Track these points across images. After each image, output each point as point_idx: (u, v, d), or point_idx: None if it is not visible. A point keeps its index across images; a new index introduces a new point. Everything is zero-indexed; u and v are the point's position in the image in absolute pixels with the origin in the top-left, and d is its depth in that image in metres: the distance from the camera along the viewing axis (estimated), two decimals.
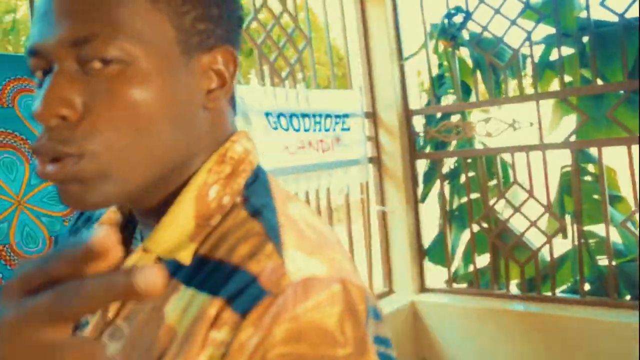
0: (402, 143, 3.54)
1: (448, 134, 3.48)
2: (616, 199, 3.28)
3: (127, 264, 0.60)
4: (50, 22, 0.55)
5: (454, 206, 3.64)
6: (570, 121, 3.28)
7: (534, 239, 3.26)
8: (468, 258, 3.55)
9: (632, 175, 2.83)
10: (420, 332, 3.44)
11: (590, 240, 3.28)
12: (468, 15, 3.34)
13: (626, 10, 2.85)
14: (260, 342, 0.49)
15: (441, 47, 3.52)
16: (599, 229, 3.21)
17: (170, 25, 0.57)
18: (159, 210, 0.61)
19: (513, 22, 3.14)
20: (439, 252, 3.58)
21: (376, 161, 3.58)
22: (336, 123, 3.12)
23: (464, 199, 3.55)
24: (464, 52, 3.57)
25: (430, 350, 3.41)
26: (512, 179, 3.25)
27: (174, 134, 0.58)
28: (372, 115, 3.59)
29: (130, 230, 0.69)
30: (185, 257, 0.58)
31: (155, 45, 0.56)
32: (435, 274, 3.69)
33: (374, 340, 0.53)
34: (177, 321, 0.54)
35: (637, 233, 2.90)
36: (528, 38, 3.10)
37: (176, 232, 0.59)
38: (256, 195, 0.61)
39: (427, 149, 3.60)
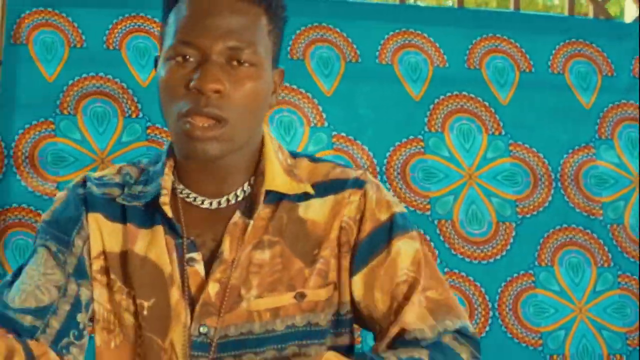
0: None
1: None
2: None
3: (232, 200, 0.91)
4: (213, 31, 0.82)
5: None
6: None
7: None
8: None
9: None
10: None
11: None
12: None
13: None
14: (380, 198, 0.91)
15: None
16: None
17: (273, 46, 0.89)
18: (234, 166, 0.89)
19: None
20: None
21: None
22: None
23: None
24: None
25: None
26: None
27: (258, 121, 0.89)
28: None
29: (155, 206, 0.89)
30: (292, 189, 0.90)
31: (266, 58, 0.87)
32: None
33: None
34: (316, 215, 0.90)
35: None
36: None
37: (280, 175, 0.90)
38: (302, 155, 0.97)
39: None
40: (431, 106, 1.76)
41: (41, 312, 0.84)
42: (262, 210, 0.87)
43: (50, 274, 0.87)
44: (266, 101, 0.88)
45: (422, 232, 1.65)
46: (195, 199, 0.89)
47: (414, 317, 0.84)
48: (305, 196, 0.90)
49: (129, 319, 0.87)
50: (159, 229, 0.88)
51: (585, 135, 1.79)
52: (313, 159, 0.96)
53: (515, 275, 1.72)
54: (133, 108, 1.67)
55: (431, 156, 1.73)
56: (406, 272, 0.87)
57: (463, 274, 1.70)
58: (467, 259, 1.70)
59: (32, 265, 0.88)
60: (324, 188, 0.90)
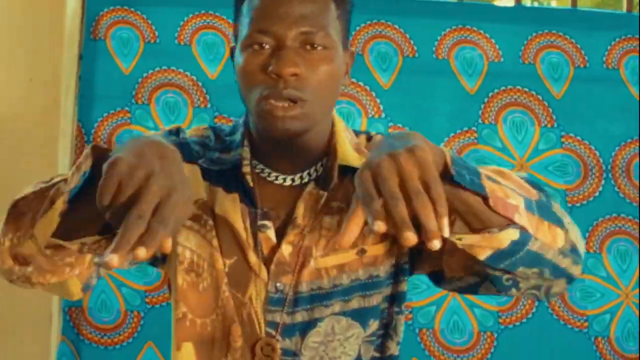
0: None
1: None
2: None
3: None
4: (287, 18, 0.87)
5: None
6: None
7: None
8: None
9: None
10: None
11: None
12: None
13: None
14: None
15: None
16: None
17: (342, 30, 0.93)
18: (309, 144, 0.93)
19: None
20: None
21: None
22: None
23: None
24: None
25: None
26: None
27: (333, 99, 0.94)
28: None
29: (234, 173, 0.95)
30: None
31: (337, 40, 0.91)
32: None
33: None
34: None
35: None
36: None
37: (351, 152, 0.95)
38: (362, 133, 1.02)
39: None
40: (485, 99, 1.80)
41: None
42: (337, 183, 0.92)
43: None
44: (340, 81, 0.92)
45: None
46: (269, 174, 0.94)
47: None
48: None
49: (219, 267, 0.92)
50: (235, 196, 0.92)
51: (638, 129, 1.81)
52: (369, 136, 1.01)
53: None
54: (202, 99, 1.78)
55: (484, 146, 1.78)
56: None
57: None
58: None
59: None
60: None
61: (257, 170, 0.94)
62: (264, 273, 0.91)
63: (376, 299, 0.93)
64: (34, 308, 1.67)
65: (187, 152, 0.93)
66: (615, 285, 1.76)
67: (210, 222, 0.93)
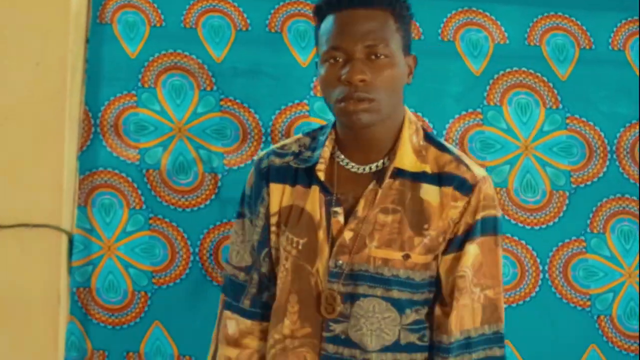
0: None
1: None
2: None
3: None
4: (354, 36, 1.10)
5: None
6: None
7: None
8: None
9: None
10: None
11: None
12: None
13: None
14: (477, 203, 1.15)
15: None
16: None
17: (402, 39, 1.14)
18: (377, 136, 1.17)
19: None
20: None
21: None
22: None
23: None
24: None
25: None
26: None
27: (398, 97, 1.16)
28: None
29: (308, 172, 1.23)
30: (414, 167, 1.17)
31: (397, 49, 1.13)
32: None
33: None
34: (432, 199, 1.16)
35: None
36: None
37: (410, 156, 1.16)
38: (434, 140, 1.22)
39: None
40: (491, 81, 1.80)
41: (248, 270, 1.29)
42: (391, 182, 1.15)
43: (248, 240, 1.28)
44: (402, 82, 1.15)
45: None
46: (347, 163, 1.19)
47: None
48: (423, 176, 1.16)
49: (291, 252, 1.20)
50: (315, 188, 1.19)
51: None
52: (442, 147, 1.21)
53: (567, 240, 1.76)
54: (208, 82, 1.78)
55: (489, 128, 1.78)
56: (464, 269, 1.15)
57: (516, 238, 1.75)
58: (521, 224, 1.75)
59: (236, 227, 1.32)
60: (439, 178, 1.16)
61: (338, 160, 1.20)
62: (326, 251, 1.16)
63: (410, 296, 1.15)
64: (42, 289, 1.69)
65: (272, 172, 1.25)
66: (619, 265, 1.77)
67: (287, 218, 1.22)
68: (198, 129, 1.78)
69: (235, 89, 1.78)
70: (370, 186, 1.16)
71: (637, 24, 1.83)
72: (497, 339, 1.16)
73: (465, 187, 1.15)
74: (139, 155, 1.76)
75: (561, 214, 1.76)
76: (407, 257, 1.13)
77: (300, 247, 1.18)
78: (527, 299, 1.75)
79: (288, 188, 1.22)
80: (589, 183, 1.77)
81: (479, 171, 1.18)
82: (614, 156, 1.79)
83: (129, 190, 1.75)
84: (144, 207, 1.75)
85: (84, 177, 1.75)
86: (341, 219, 1.17)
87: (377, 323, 1.14)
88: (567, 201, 1.76)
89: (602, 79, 1.81)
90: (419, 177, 1.16)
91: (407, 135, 1.17)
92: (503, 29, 1.82)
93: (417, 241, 1.14)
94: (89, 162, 1.75)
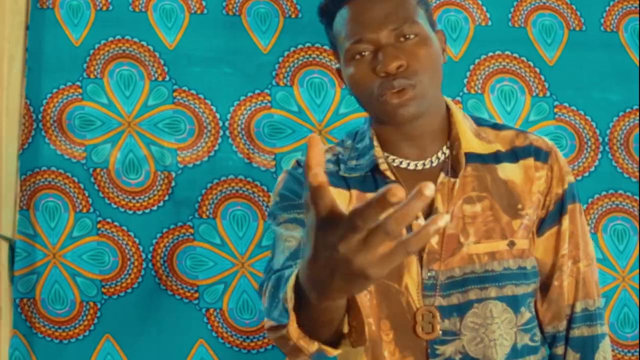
0: None
1: None
2: None
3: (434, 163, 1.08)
4: (375, 22, 0.99)
5: None
6: None
7: None
8: None
9: None
10: None
11: None
12: None
13: None
14: (560, 170, 1.07)
15: None
16: None
17: (425, 14, 1.04)
18: (427, 127, 1.05)
19: None
20: None
21: None
22: None
23: None
24: None
25: None
26: None
27: (439, 78, 1.04)
28: None
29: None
30: (486, 149, 1.07)
31: (425, 25, 1.02)
32: None
33: None
34: (515, 176, 1.05)
35: None
36: None
37: (473, 139, 1.06)
38: (484, 120, 1.13)
39: None
40: (471, 66, 1.70)
41: (294, 254, 1.00)
42: (465, 170, 1.03)
43: (292, 234, 1.03)
44: (440, 60, 1.03)
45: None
46: (401, 162, 1.06)
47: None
48: (495, 158, 1.06)
49: None
50: None
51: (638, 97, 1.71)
52: (496, 125, 1.11)
53: None
54: (159, 71, 1.65)
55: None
56: (565, 245, 1.07)
57: None
58: None
59: (278, 242, 1.05)
60: (515, 154, 1.06)
61: (388, 161, 1.06)
62: (415, 262, 1.01)
63: (524, 290, 1.03)
64: None
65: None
66: (611, 268, 1.67)
67: None
68: (149, 123, 1.65)
69: (190, 79, 1.66)
70: (440, 179, 1.03)
71: (632, 1, 1.72)
72: (597, 315, 1.09)
73: (542, 154, 1.06)
74: (85, 153, 1.63)
75: None
76: (512, 244, 1.02)
77: None
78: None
79: (342, 191, 1.07)
80: (579, 178, 1.68)
81: (542, 139, 1.10)
82: (607, 148, 1.69)
83: (74, 191, 1.63)
84: (91, 210, 1.63)
85: (26, 178, 1.64)
86: (422, 221, 1.00)
87: (499, 330, 1.01)
88: None
89: (593, 64, 1.71)
90: (491, 159, 1.06)
91: (460, 118, 1.07)
92: (485, 8, 1.72)
93: (516, 224, 1.03)
94: (31, 161, 1.63)
